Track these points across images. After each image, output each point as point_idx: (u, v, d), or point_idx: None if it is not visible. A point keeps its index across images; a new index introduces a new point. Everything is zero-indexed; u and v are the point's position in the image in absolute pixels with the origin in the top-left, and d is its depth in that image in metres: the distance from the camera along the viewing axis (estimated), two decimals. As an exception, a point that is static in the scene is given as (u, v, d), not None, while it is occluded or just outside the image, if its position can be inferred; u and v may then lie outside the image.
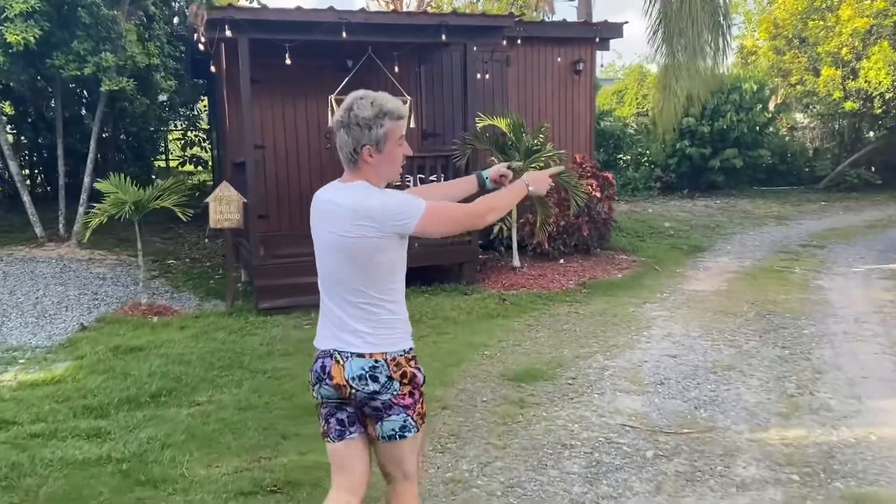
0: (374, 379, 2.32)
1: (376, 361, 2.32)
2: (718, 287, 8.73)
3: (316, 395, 2.47)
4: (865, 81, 16.72)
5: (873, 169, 19.11)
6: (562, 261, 9.77)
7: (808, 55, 18.48)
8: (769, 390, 5.24)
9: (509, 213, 9.04)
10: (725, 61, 13.92)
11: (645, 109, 22.36)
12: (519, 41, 9.72)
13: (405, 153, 2.41)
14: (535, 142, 8.89)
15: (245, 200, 7.61)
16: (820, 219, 14.85)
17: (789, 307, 7.65)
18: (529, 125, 9.61)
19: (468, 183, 2.85)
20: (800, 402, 5.02)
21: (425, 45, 9.06)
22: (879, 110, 16.95)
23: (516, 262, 9.16)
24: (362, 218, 2.26)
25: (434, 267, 8.59)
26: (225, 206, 7.43)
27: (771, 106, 19.20)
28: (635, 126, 21.26)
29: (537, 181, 2.66)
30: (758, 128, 17.47)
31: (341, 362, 2.35)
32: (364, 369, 2.32)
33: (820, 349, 6.18)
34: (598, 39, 10.62)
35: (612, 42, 12.18)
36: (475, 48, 8.81)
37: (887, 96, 16.63)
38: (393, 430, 2.36)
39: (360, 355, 2.33)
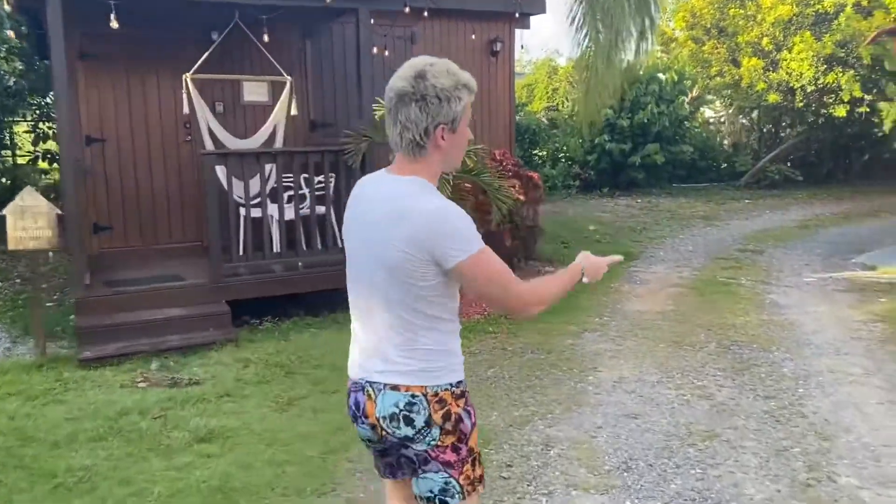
0: (409, 421, 1.84)
1: (413, 396, 1.85)
2: (664, 307, 7.38)
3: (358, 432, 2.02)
4: (787, 73, 16.02)
5: (789, 164, 18.60)
6: (480, 276, 8.23)
7: (727, 45, 17.69)
8: (774, 475, 3.81)
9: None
10: (649, 48, 12.83)
11: (555, 104, 21.25)
12: (426, 13, 8.08)
13: (469, 136, 1.97)
14: (447, 134, 7.27)
15: (60, 212, 5.63)
16: (748, 219, 13.95)
17: (753, 334, 6.35)
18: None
19: (572, 275, 2.15)
20: (821, 494, 3.61)
21: (309, 12, 7.29)
22: (801, 104, 16.30)
23: (426, 281, 7.52)
24: (406, 228, 1.80)
25: (325, 292, 6.85)
26: (30, 221, 5.43)
27: (689, 97, 18.36)
28: (546, 121, 20.10)
29: (593, 271, 2.16)
30: (679, 121, 16.55)
31: (373, 396, 1.90)
32: (398, 406, 1.85)
33: (811, 398, 4.85)
34: (517, 14, 9.11)
35: (527, 33, 10.74)
36: (371, 20, 7.11)
37: (808, 89, 15.98)
38: (431, 491, 1.89)
39: (395, 388, 1.87)
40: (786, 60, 15.96)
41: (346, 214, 2.02)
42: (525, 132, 17.18)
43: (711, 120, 21.43)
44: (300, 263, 6.85)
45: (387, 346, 1.90)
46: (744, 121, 20.29)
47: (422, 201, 1.82)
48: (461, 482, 1.87)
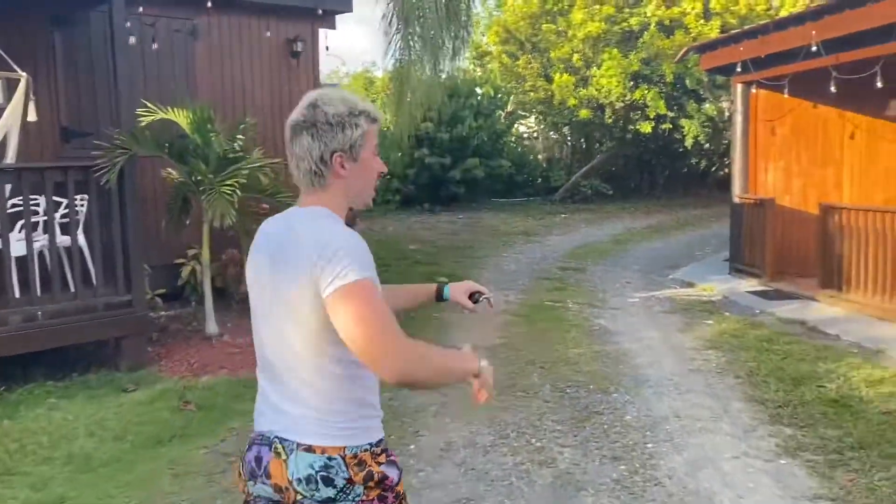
0: (329, 482, 1.65)
1: (330, 459, 1.65)
2: (493, 340, 6.61)
3: (248, 490, 1.77)
4: (597, 90, 16.28)
5: (601, 179, 19.06)
6: (283, 314, 7.02)
7: (540, 61, 17.77)
8: (640, 582, 3.02)
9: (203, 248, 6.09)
10: (462, 59, 12.31)
11: (374, 116, 20.33)
12: (209, 3, 6.77)
13: (382, 169, 1.82)
14: (234, 146, 6.02)
15: None
16: (566, 234, 13.83)
17: (589, 371, 5.71)
18: (229, 122, 6.69)
19: (424, 289, 2.26)
20: None
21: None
22: (610, 120, 16.63)
23: (212, 327, 6.19)
24: (297, 257, 1.65)
25: (72, 346, 5.33)
26: None
27: (504, 112, 18.25)
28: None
29: (485, 384, 1.82)
30: (497, 136, 16.28)
31: (283, 456, 1.68)
32: (313, 468, 1.65)
33: (663, 456, 4.18)
34: (321, 12, 8.02)
35: (344, 44, 9.71)
36: (140, 8, 5.71)
37: (617, 106, 16.33)
38: None
39: (309, 449, 1.66)
40: (595, 77, 16.22)
41: (250, 258, 1.84)
42: (340, 145, 16.13)
43: (526, 135, 21.61)
44: (40, 313, 5.28)
45: (298, 400, 1.71)
46: (556, 136, 20.61)
47: (312, 226, 1.69)
48: None
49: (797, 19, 7.51)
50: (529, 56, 18.01)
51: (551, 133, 20.28)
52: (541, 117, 19.16)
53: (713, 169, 21.05)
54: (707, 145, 17.85)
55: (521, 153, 19.10)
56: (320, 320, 1.63)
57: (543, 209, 16.77)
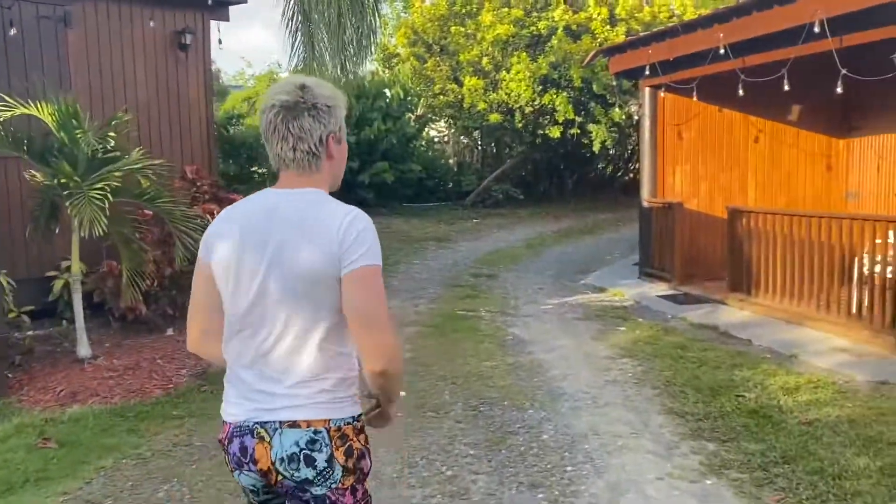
0: (310, 461, 1.67)
1: (315, 433, 1.68)
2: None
3: (237, 480, 1.81)
4: (506, 94, 16.15)
5: (511, 183, 18.97)
6: (170, 331, 6.36)
7: (449, 64, 17.51)
8: None
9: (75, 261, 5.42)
10: (371, 62, 11.89)
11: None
12: (81, -13, 6.08)
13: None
14: (107, 146, 5.36)
15: None
16: (478, 239, 13.59)
17: (503, 385, 5.38)
18: (104, 118, 6.00)
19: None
20: None
21: None
22: (520, 124, 16.54)
23: (84, 349, 5.49)
24: (324, 235, 1.68)
25: None
26: None
27: (414, 116, 17.91)
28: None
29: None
30: (407, 139, 15.90)
31: (267, 438, 1.69)
32: (299, 445, 1.67)
33: (584, 480, 3.87)
34: (210, 1, 7.40)
35: (248, 45, 9.08)
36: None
37: (527, 110, 16.25)
38: None
39: (294, 424, 1.68)
40: (505, 81, 16.08)
41: (219, 242, 1.78)
42: (241, 146, 15.32)
43: (437, 139, 21.33)
44: None
45: (288, 378, 1.72)
46: (467, 140, 20.42)
47: (338, 210, 1.73)
48: None
49: (705, 22, 7.47)
50: (438, 59, 17.72)
51: (462, 137, 20.06)
52: (451, 121, 18.91)
53: (619, 174, 21.40)
54: (613, 150, 18.04)
55: (432, 157, 18.78)
56: (334, 296, 1.69)
57: (455, 214, 16.50)
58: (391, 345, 1.72)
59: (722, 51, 7.16)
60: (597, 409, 4.90)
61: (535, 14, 16.31)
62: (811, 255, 6.83)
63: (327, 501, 1.71)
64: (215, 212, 6.42)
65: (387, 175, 14.94)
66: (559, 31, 15.42)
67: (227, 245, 1.77)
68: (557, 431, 4.52)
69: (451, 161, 20.18)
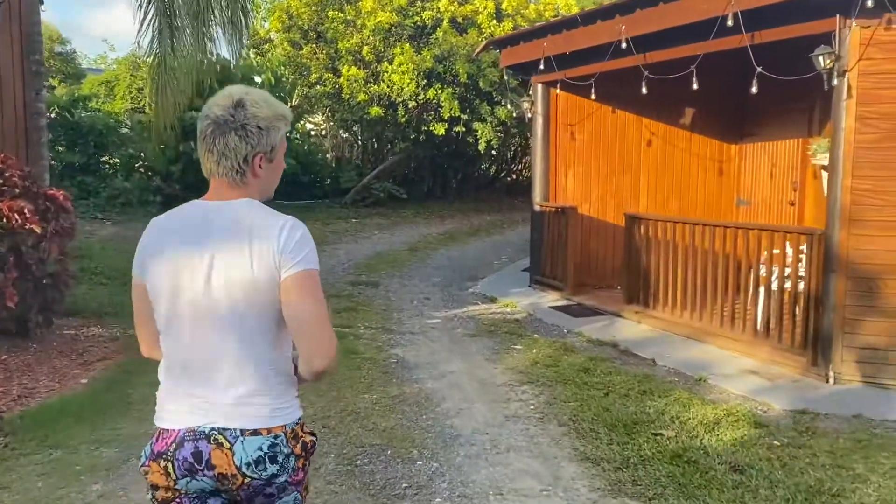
0: (274, 459, 1.77)
1: (276, 437, 1.77)
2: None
3: (178, 488, 1.78)
4: (388, 86, 15.25)
5: (393, 181, 18.10)
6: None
7: (326, 52, 16.39)
8: None
9: None
10: (238, 44, 10.75)
11: (142, 105, 17.88)
12: None
13: (283, 167, 1.93)
14: None
15: None
16: (357, 241, 12.62)
17: (385, 428, 4.48)
18: None
19: None
20: None
21: None
22: (403, 119, 15.69)
23: None
24: (261, 243, 1.73)
25: None
26: None
27: (289, 106, 16.62)
28: (129, 124, 16.62)
29: None
30: (279, 131, 14.65)
31: (227, 445, 1.74)
32: (263, 450, 1.76)
33: (489, 562, 3.06)
34: (27, -50, 6.01)
35: (107, 30, 7.64)
36: None
37: (410, 105, 15.42)
38: None
39: (255, 433, 1.76)
40: (387, 72, 15.18)
41: (152, 259, 1.81)
42: (88, 134, 13.55)
43: (313, 132, 20.12)
44: None
45: (237, 387, 1.77)
46: (346, 135, 19.34)
47: (272, 219, 1.76)
48: (302, 493, 1.88)
49: (606, 12, 6.89)
50: (315, 46, 16.57)
51: (341, 131, 18.95)
52: (329, 113, 17.78)
53: (502, 174, 21.04)
54: (496, 150, 17.57)
55: (308, 151, 17.57)
56: (273, 301, 1.73)
57: (333, 213, 15.43)
58: (331, 347, 1.75)
59: (624, 45, 6.60)
60: (497, 455, 4.10)
61: (419, 3, 15.51)
62: (713, 267, 6.40)
63: (287, 485, 1.80)
64: (26, 210, 5.15)
65: (257, 169, 13.64)
66: (444, 22, 14.70)
67: (162, 261, 1.78)
68: (453, 490, 3.68)
69: (328, 156, 19.03)
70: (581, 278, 8.47)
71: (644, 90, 6.56)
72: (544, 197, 8.86)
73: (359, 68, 15.59)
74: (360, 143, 18.89)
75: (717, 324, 6.37)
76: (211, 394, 1.76)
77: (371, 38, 15.34)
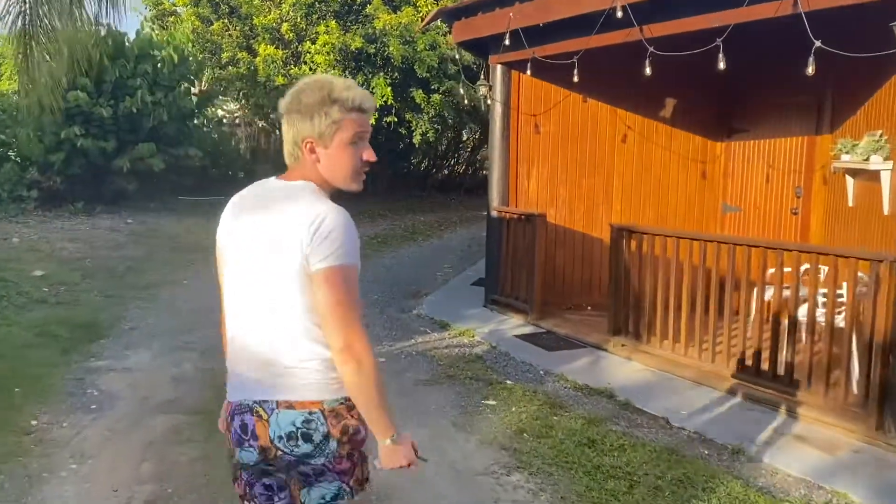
0: (307, 438, 1.76)
1: (310, 413, 1.76)
2: (134, 485, 3.51)
3: (238, 458, 1.87)
4: (311, 69, 13.48)
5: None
6: None
7: (240, 29, 14.46)
8: None
9: None
10: (129, 13, 8.86)
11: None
12: None
13: (367, 157, 1.88)
14: None
15: None
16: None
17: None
18: None
19: (385, 425, 1.87)
20: None
21: None
22: (327, 106, 13.93)
23: None
24: (297, 229, 1.74)
25: None
26: None
27: (197, 89, 14.65)
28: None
29: (392, 458, 1.81)
30: (183, 116, 12.67)
31: (265, 417, 1.78)
32: (294, 425, 1.76)
33: None
34: None
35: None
36: None
37: (335, 90, 13.68)
38: (323, 497, 1.82)
39: (290, 406, 1.77)
40: (310, 53, 13.41)
41: (224, 227, 1.91)
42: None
43: (226, 120, 18.07)
44: None
45: (282, 360, 1.79)
46: (263, 123, 17.40)
47: (312, 207, 1.77)
48: (352, 485, 1.82)
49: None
50: (227, 21, 14.60)
51: (258, 119, 17.00)
52: (244, 98, 15.82)
53: (434, 170, 19.56)
54: (431, 144, 16.04)
55: (219, 141, 15.56)
56: (305, 288, 1.74)
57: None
58: (351, 348, 1.70)
59: (620, 13, 5.20)
60: None
61: (346, -24, 13.80)
62: (728, 294, 5.10)
63: (325, 469, 1.78)
64: None
65: (154, 161, 11.64)
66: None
67: (227, 230, 1.88)
68: None
69: (244, 147, 17.04)
70: (545, 296, 7.07)
71: (648, 71, 5.16)
72: (503, 201, 7.41)
73: (277, 47, 13.76)
74: (279, 132, 16.97)
75: (735, 366, 5.07)
76: (255, 366, 1.79)
77: (291, 13, 13.53)
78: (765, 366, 4.89)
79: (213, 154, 14.57)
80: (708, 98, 7.64)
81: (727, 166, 7.72)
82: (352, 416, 1.77)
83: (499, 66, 7.32)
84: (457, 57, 11.44)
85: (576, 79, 5.93)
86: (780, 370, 4.78)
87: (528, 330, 6.74)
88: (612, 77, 6.98)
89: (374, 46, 13.00)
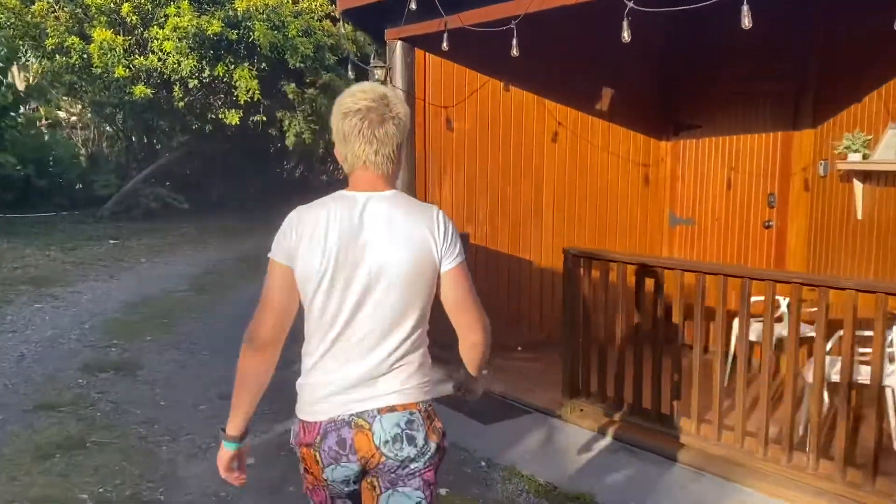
0: (411, 440, 1.81)
1: (412, 413, 1.82)
2: None
3: (325, 477, 1.84)
4: (160, 59, 11.26)
5: (170, 186, 13.96)
6: None
7: (70, 11, 11.95)
8: None
9: None
10: None
11: None
12: None
13: None
14: None
15: None
16: (113, 277, 8.64)
17: None
18: None
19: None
20: None
21: None
22: (181, 104, 11.75)
23: None
24: (423, 234, 1.82)
25: None
26: None
27: (21, 85, 12.02)
28: None
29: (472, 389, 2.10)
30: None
31: (367, 427, 1.80)
32: (399, 426, 1.81)
33: None
34: None
35: None
36: None
37: (191, 84, 11.54)
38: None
39: (392, 409, 1.81)
40: (157, 40, 11.17)
41: (304, 248, 1.82)
42: None
43: (52, 121, 15.27)
44: None
45: (382, 370, 1.83)
46: (110, 127, 14.80)
47: (428, 209, 1.86)
48: (431, 499, 1.87)
49: None
50: (53, 3, 12.06)
51: (100, 119, 14.40)
52: (78, 94, 13.24)
53: (312, 176, 17.60)
54: (308, 145, 14.10)
55: (47, 146, 12.91)
56: (426, 291, 1.83)
57: (82, 231, 11.11)
58: (485, 321, 1.89)
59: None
60: None
61: (201, -51, 11.66)
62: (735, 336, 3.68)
63: (417, 473, 1.82)
64: None
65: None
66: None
67: (317, 250, 1.80)
68: None
69: (80, 153, 14.38)
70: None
71: (626, 37, 3.63)
72: (410, 217, 5.71)
73: (117, 33, 11.41)
74: (123, 135, 14.46)
75: (761, 449, 3.64)
76: (357, 377, 1.80)
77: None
78: (812, 450, 3.48)
79: (40, 162, 11.98)
80: (649, 85, 6.33)
81: (675, 169, 6.42)
82: (438, 419, 1.88)
83: (399, 44, 5.63)
84: (340, 32, 9.62)
85: (514, 51, 4.33)
86: (837, 457, 3.39)
87: (450, 388, 5.06)
88: (540, 58, 5.50)
89: (236, 32, 10.96)
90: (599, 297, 4.37)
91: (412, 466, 1.80)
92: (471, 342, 1.88)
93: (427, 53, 5.68)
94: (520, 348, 6.05)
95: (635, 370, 4.15)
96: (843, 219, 4.88)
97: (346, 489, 1.85)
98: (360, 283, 1.79)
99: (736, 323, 3.97)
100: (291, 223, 1.85)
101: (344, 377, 1.80)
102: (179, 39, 10.84)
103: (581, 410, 4.47)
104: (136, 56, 11.48)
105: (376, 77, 5.90)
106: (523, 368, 5.47)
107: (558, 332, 6.15)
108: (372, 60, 5.98)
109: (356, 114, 1.80)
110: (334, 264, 1.78)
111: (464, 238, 5.99)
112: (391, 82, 5.71)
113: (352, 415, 1.78)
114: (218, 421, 4.47)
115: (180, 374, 5.33)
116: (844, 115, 4.90)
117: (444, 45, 4.81)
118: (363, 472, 1.83)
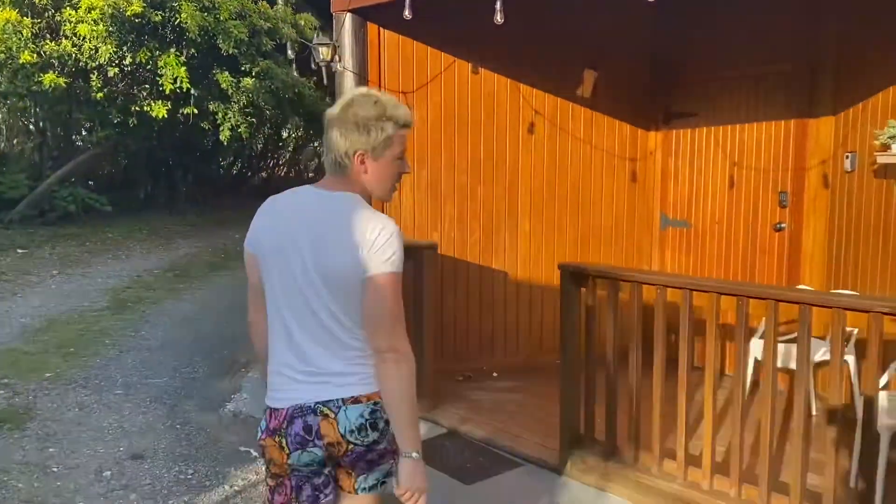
0: (375, 426, 1.88)
1: (375, 404, 1.88)
2: None
3: (289, 462, 1.89)
4: (74, 44, 10.02)
5: (91, 186, 12.65)
6: None
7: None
8: None
9: None
10: None
11: None
12: None
13: (403, 171, 1.97)
14: None
15: None
16: (16, 294, 7.45)
17: None
18: None
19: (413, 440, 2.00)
20: None
21: None
22: (100, 95, 10.52)
23: None
24: (354, 237, 1.83)
25: None
26: None
27: None
28: None
29: (412, 480, 1.88)
30: None
31: (332, 416, 1.86)
32: (364, 416, 1.88)
33: None
34: None
35: None
36: None
37: (111, 72, 10.33)
38: (376, 479, 1.96)
39: (357, 400, 1.87)
40: (70, 22, 9.91)
41: (261, 233, 1.94)
42: None
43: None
44: None
45: (337, 360, 1.89)
46: (22, 121, 13.37)
47: (360, 212, 1.85)
48: (394, 462, 1.91)
49: None
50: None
51: (5, 112, 12.95)
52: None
53: (249, 174, 16.45)
54: (244, 140, 12.95)
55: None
56: (357, 293, 1.81)
57: (-16, 239, 9.80)
58: (398, 348, 1.80)
59: None
60: None
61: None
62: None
63: (386, 451, 1.89)
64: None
65: None
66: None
67: (269, 237, 1.90)
68: None
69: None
70: (435, 363, 4.60)
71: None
72: (365, 224, 4.78)
73: (23, 14, 10.09)
74: (35, 128, 13.05)
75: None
76: (317, 368, 1.86)
77: (39, -35, 9.95)
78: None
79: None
80: (635, 68, 5.54)
81: (666, 163, 5.64)
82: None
83: (347, 16, 4.72)
84: (277, 16, 8.58)
85: (499, 17, 3.44)
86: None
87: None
88: (514, 35, 4.64)
89: (160, 14, 9.78)
90: (605, 324, 3.54)
91: (379, 448, 1.88)
92: (380, 370, 1.82)
93: (382, 29, 4.82)
94: (495, 374, 5.23)
95: (661, 416, 3.33)
96: (877, 222, 4.16)
97: (313, 476, 1.90)
98: (298, 273, 1.84)
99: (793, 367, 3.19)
100: (261, 210, 1.96)
101: (301, 366, 1.87)
102: (95, 22, 9.61)
103: (584, 462, 3.64)
104: (48, 41, 10.19)
105: (321, 57, 4.94)
106: (503, 402, 4.63)
107: (538, 355, 5.35)
108: (315, 37, 5.02)
109: (333, 119, 1.89)
110: (278, 253, 1.87)
111: (430, 248, 5.11)
112: (339, 62, 4.78)
113: (317, 402, 1.85)
114: (131, 490, 3.47)
115: (84, 425, 4.29)
116: (877, 100, 4.18)
117: (407, 13, 3.89)
118: (330, 461, 1.89)
